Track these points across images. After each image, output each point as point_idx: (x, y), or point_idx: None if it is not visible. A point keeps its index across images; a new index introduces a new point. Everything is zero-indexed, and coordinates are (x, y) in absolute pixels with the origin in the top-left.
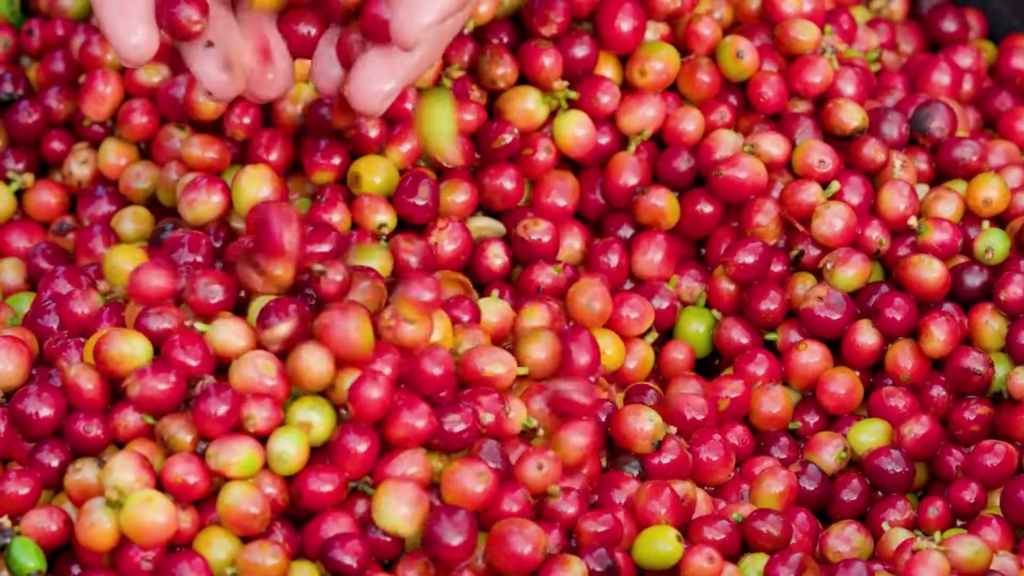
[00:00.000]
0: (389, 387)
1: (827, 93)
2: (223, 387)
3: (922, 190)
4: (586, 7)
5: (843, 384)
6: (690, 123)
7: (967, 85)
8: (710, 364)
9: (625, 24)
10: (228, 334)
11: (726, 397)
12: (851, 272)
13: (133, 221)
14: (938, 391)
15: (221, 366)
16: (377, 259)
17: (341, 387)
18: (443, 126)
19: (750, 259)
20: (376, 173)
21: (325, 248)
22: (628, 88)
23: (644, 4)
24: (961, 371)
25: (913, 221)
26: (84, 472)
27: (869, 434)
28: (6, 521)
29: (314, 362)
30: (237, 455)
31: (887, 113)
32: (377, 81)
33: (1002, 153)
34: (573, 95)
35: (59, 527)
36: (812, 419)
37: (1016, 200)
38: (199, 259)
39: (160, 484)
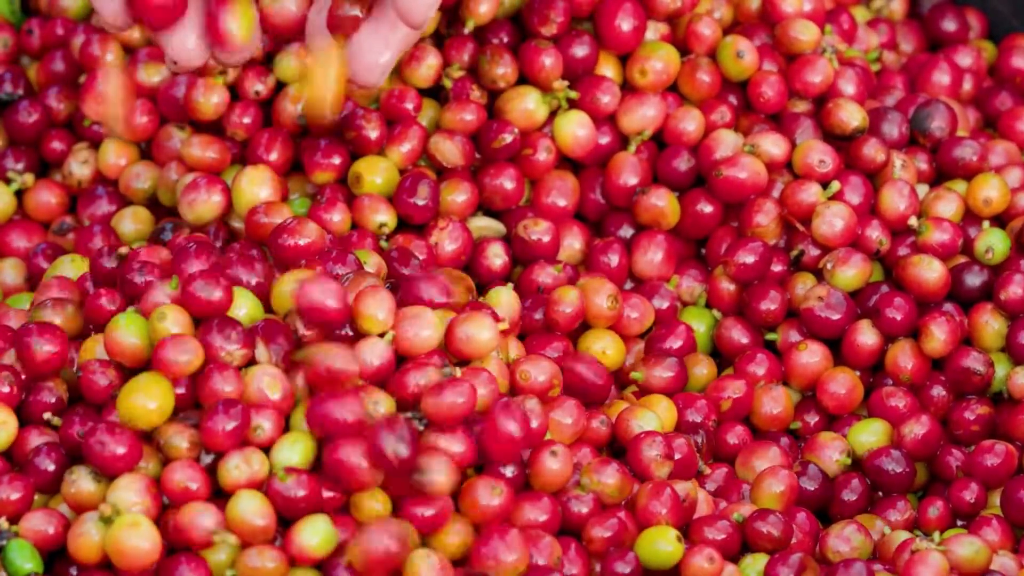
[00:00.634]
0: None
1: (827, 93)
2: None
3: (922, 190)
4: (586, 7)
5: (843, 384)
6: (690, 123)
7: (967, 85)
8: None
9: (625, 24)
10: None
11: (728, 397)
12: (851, 272)
13: (133, 221)
14: (938, 391)
15: None
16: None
17: None
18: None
19: (750, 259)
20: (376, 173)
21: None
22: (628, 88)
23: (644, 4)
24: (961, 371)
25: (913, 221)
26: (80, 483)
27: (869, 434)
28: (4, 523)
29: None
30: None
31: (887, 113)
32: (373, 53)
33: (1002, 153)
34: (573, 95)
35: (56, 530)
36: (812, 419)
37: (1016, 200)
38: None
39: (160, 514)
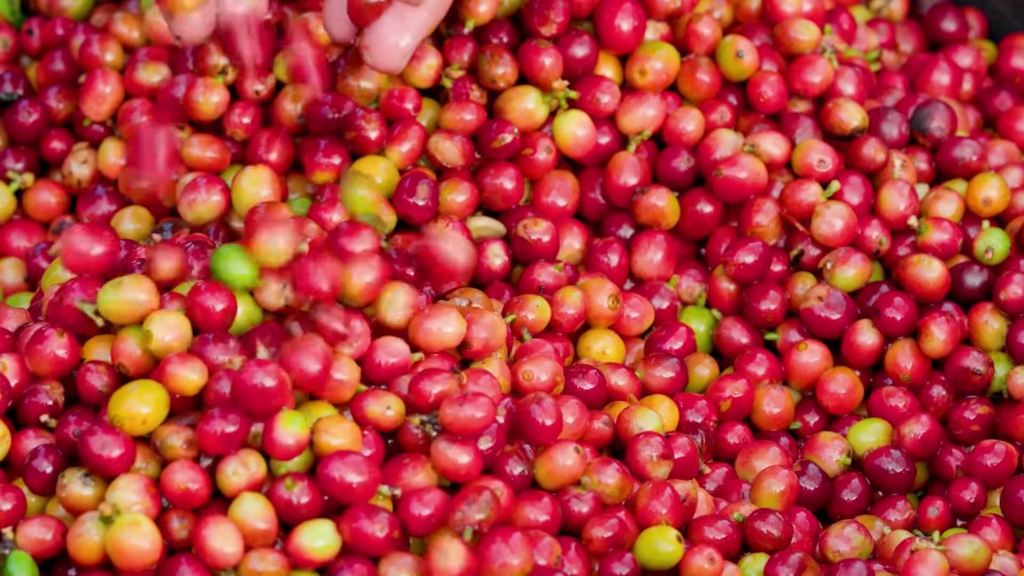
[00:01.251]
0: None
1: (827, 93)
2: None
3: (922, 190)
4: (586, 7)
5: (843, 384)
6: (690, 123)
7: (967, 85)
8: None
9: (625, 24)
10: None
11: (728, 397)
12: (851, 272)
13: (133, 221)
14: (938, 391)
15: None
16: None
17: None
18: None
19: (750, 259)
20: (376, 173)
21: None
22: (628, 88)
23: (644, 4)
24: (961, 371)
25: (913, 221)
26: (71, 486)
27: (869, 434)
28: (9, 532)
29: None
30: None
31: (887, 113)
32: (394, 36)
33: (1002, 153)
34: (573, 95)
35: (54, 538)
36: (812, 419)
37: (1016, 200)
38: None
39: (160, 514)
